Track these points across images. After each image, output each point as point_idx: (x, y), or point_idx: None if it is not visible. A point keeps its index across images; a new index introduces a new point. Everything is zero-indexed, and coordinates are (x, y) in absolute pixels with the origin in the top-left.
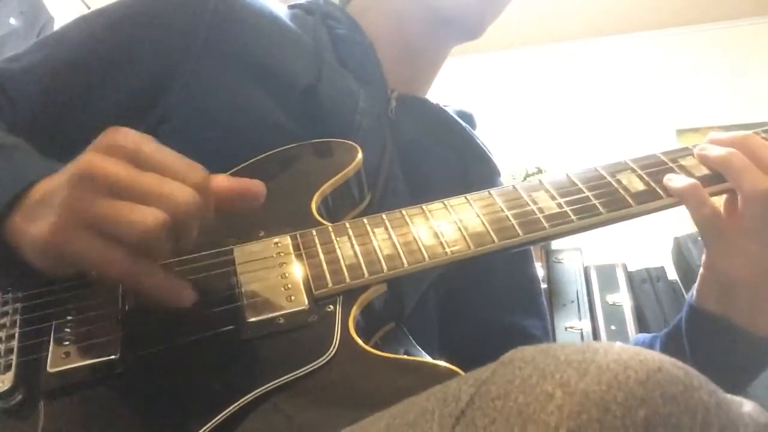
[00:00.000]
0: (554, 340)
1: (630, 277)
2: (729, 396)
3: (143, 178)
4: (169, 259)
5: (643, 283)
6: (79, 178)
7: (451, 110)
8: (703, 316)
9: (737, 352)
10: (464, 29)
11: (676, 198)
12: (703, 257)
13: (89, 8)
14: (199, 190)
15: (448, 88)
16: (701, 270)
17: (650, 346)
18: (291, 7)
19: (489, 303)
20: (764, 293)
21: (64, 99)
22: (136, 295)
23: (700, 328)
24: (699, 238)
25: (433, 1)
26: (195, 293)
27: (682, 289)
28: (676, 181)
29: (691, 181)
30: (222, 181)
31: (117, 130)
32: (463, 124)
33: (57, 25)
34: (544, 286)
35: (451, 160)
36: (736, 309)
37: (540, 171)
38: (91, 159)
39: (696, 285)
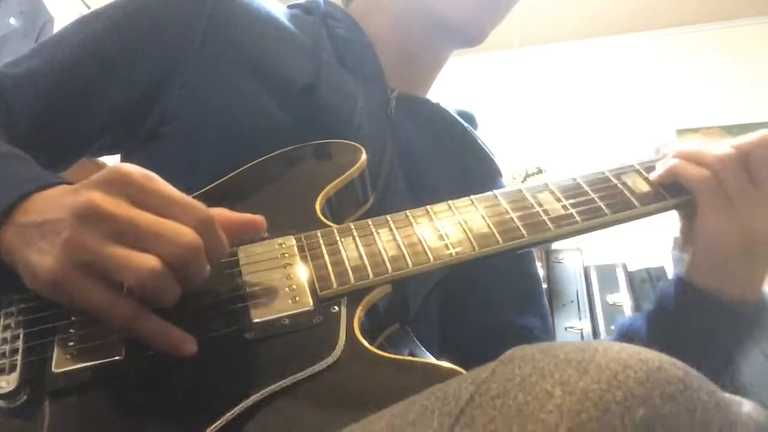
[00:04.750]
0: (554, 339)
1: (630, 277)
2: (728, 396)
3: (144, 220)
4: (179, 296)
5: (643, 283)
6: (83, 217)
7: (451, 110)
8: (698, 290)
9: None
10: (464, 37)
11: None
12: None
13: (89, 8)
14: (203, 228)
15: (448, 88)
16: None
17: (636, 328)
18: (290, 6)
19: (487, 302)
20: (731, 263)
21: (64, 103)
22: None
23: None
24: None
25: (432, 9)
26: (195, 344)
27: None
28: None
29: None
30: (224, 216)
31: (121, 167)
32: (465, 124)
33: (57, 25)
34: (544, 286)
35: (451, 159)
36: (731, 280)
37: (540, 171)
38: (94, 197)
39: (689, 260)
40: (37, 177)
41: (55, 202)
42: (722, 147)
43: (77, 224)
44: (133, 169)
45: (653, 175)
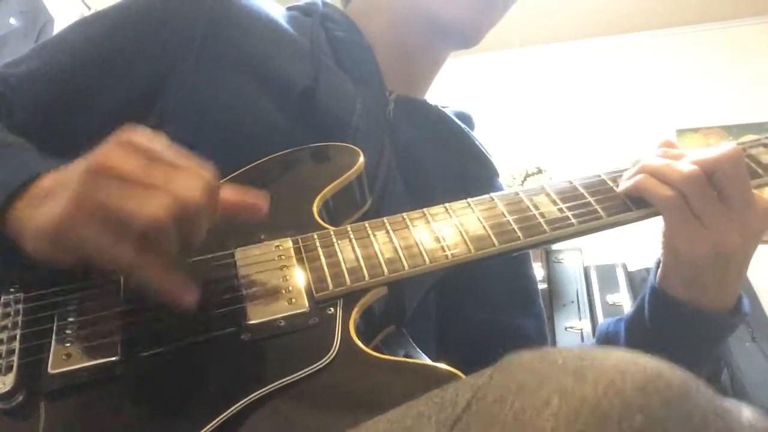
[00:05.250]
0: (553, 340)
1: (630, 277)
2: (727, 402)
3: (155, 170)
4: (176, 256)
5: (643, 283)
6: (93, 169)
7: (449, 111)
8: (673, 301)
9: (704, 331)
10: (460, 38)
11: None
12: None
13: (89, 8)
14: (208, 188)
15: (448, 88)
16: (663, 256)
17: (615, 333)
18: (289, 8)
19: (484, 304)
20: (712, 272)
21: (64, 103)
22: (138, 292)
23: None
24: None
25: (430, 10)
26: (197, 294)
27: None
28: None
29: (640, 175)
30: (229, 191)
31: (131, 128)
32: (462, 125)
33: (57, 26)
34: (544, 286)
35: (450, 161)
36: (703, 291)
37: (540, 171)
38: (106, 152)
39: (660, 271)
40: (48, 164)
41: (68, 169)
42: (687, 164)
43: (87, 177)
44: (143, 129)
45: (622, 186)
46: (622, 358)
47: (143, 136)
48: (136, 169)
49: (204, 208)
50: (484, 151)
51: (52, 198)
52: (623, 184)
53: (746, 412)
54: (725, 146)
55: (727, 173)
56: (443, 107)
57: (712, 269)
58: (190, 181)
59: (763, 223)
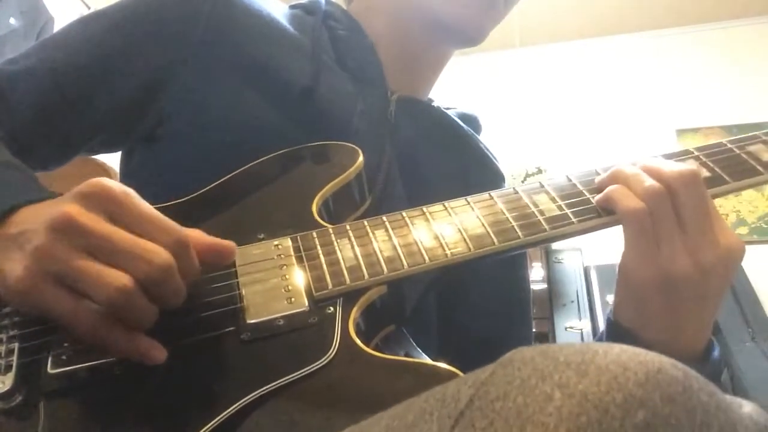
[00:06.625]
0: (553, 340)
1: None
2: (729, 397)
3: (119, 237)
4: (155, 316)
5: None
6: (57, 229)
7: (453, 113)
8: (624, 332)
9: None
10: (463, 37)
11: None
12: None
13: (89, 8)
14: (177, 249)
15: (449, 88)
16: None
17: None
18: (292, 6)
19: (479, 311)
20: (657, 305)
21: (62, 102)
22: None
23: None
24: None
25: (432, 8)
26: (164, 352)
27: None
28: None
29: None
30: (197, 238)
31: (101, 181)
32: (466, 127)
33: (57, 25)
34: (544, 286)
35: (452, 163)
36: (649, 320)
37: (540, 171)
38: (70, 210)
39: (614, 299)
40: (26, 191)
41: (34, 214)
42: (651, 179)
43: (50, 234)
44: (113, 184)
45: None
46: (624, 353)
47: (112, 190)
48: (99, 232)
49: (169, 274)
50: (488, 154)
51: (17, 251)
52: (598, 196)
53: (747, 407)
54: (684, 165)
55: (690, 196)
56: (448, 108)
57: (659, 296)
58: (155, 248)
59: (721, 259)
